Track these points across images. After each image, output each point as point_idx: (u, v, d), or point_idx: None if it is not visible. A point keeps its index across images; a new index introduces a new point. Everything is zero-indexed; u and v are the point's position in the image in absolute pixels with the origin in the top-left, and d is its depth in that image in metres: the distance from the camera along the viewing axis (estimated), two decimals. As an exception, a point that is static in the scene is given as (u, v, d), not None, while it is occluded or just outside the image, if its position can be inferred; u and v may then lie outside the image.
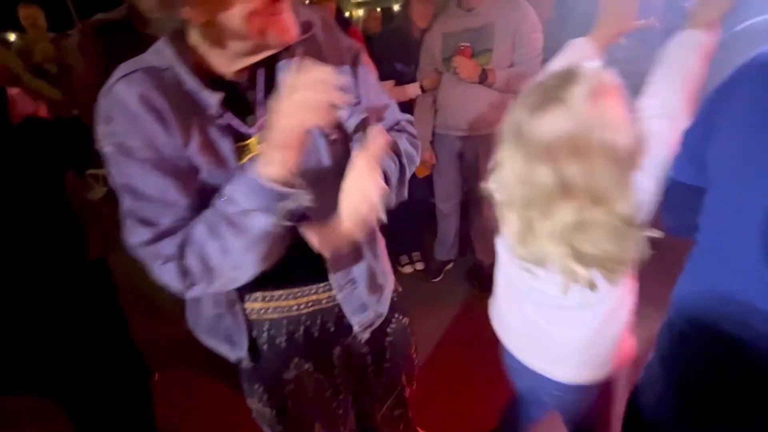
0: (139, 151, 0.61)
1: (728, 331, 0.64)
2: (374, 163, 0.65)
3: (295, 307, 0.82)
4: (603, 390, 0.93)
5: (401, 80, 2.15)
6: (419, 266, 2.60)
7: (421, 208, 2.49)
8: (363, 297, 0.85)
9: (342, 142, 0.77)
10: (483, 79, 1.87)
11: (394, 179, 0.76)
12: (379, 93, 0.85)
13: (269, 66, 0.70)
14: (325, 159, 0.74)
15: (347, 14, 4.07)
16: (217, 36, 0.62)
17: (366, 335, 0.89)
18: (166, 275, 0.63)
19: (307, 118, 0.56)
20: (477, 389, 1.70)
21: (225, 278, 0.65)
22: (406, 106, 2.15)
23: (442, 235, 2.47)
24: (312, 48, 0.73)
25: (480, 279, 2.34)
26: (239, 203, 0.59)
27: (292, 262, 0.72)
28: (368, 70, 0.83)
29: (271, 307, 0.81)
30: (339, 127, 0.77)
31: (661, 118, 0.77)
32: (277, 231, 0.61)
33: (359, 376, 0.97)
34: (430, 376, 1.80)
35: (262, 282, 0.74)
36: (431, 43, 2.02)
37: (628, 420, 0.88)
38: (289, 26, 0.63)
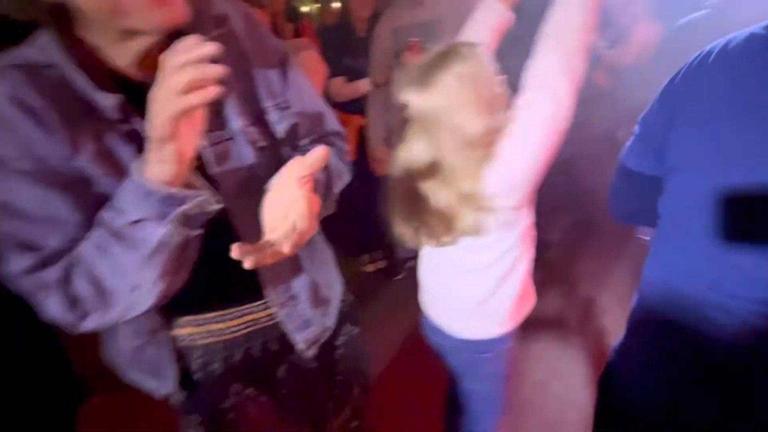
0: (15, 161, 0.52)
1: (683, 316, 0.67)
2: (306, 172, 0.59)
3: (230, 330, 0.75)
4: (502, 347, 1.03)
5: (352, 76, 2.10)
6: (381, 264, 2.57)
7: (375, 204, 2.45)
8: (306, 312, 0.79)
9: (272, 150, 0.70)
10: (434, 73, 1.85)
11: (320, 193, 0.70)
12: (313, 99, 0.79)
13: None
14: (253, 167, 0.67)
15: (303, 8, 3.92)
16: (84, 20, 0.52)
17: (312, 352, 0.83)
18: (53, 308, 0.55)
19: (185, 101, 0.46)
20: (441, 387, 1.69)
21: (124, 303, 0.57)
22: (359, 102, 2.11)
23: (401, 233, 2.44)
24: (229, 45, 0.64)
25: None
26: (127, 213, 0.52)
27: (223, 280, 0.66)
28: (299, 74, 0.77)
29: (202, 332, 0.74)
30: (267, 133, 0.70)
31: (534, 90, 0.78)
32: (177, 241, 0.54)
33: (309, 392, 0.91)
34: (395, 377, 1.79)
35: (189, 304, 0.67)
36: (381, 37, 1.98)
37: (602, 401, 0.90)
38: (164, 2, 0.52)
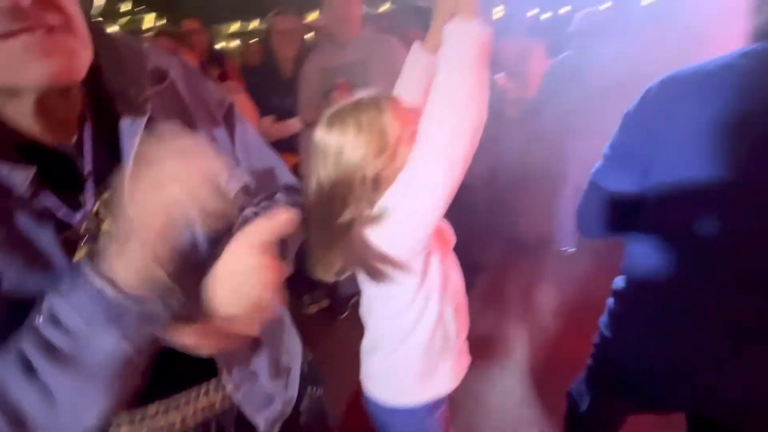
0: None
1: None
2: (270, 238, 0.51)
3: (179, 421, 0.64)
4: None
5: (280, 115, 2.07)
6: (324, 304, 2.49)
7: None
8: (267, 388, 0.70)
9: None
10: (363, 113, 1.90)
11: (285, 259, 0.64)
12: (262, 152, 0.74)
13: (107, 126, 0.53)
14: (199, 237, 0.59)
15: (220, 47, 3.83)
16: None
17: (275, 431, 0.74)
18: None
19: (175, 197, 0.40)
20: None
21: None
22: (289, 141, 2.08)
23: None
24: (170, 102, 0.59)
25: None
26: (71, 323, 0.42)
27: (167, 365, 0.55)
28: (246, 127, 0.71)
29: (143, 430, 0.62)
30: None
31: (426, 154, 0.74)
32: (135, 351, 0.45)
33: None
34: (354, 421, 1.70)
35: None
36: (309, 77, 2.00)
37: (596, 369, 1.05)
38: (56, 51, 0.42)
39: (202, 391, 0.65)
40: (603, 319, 0.99)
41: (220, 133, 0.66)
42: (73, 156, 0.52)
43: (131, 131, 0.52)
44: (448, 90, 0.72)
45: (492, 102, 0.75)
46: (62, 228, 0.48)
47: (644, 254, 0.83)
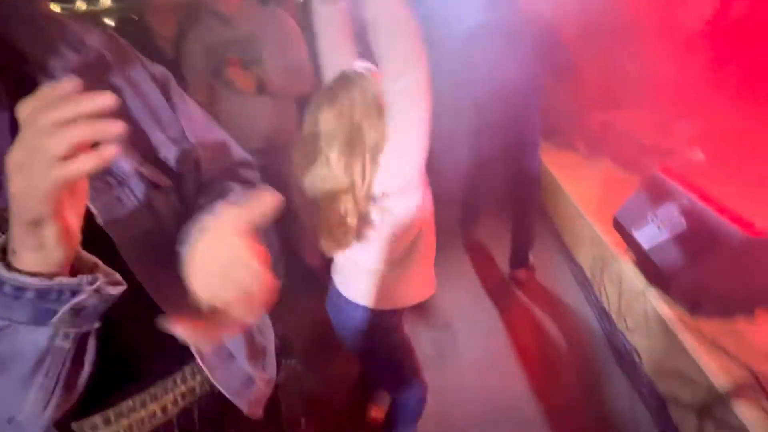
0: None
1: None
2: (250, 223, 0.47)
3: (160, 410, 0.61)
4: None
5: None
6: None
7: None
8: (245, 369, 0.69)
9: (176, 191, 0.59)
10: (261, 89, 1.84)
11: (264, 243, 0.64)
12: (208, 127, 0.69)
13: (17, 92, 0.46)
14: (157, 215, 0.55)
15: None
16: None
17: (260, 411, 0.73)
18: None
19: (70, 170, 0.35)
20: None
21: None
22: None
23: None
24: (97, 73, 0.54)
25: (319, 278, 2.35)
26: None
27: (137, 358, 0.54)
28: (187, 101, 0.67)
29: (121, 429, 0.58)
30: (165, 171, 0.58)
31: (399, 93, 0.90)
32: (67, 346, 0.42)
33: None
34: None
35: (94, 398, 0.52)
36: (193, 56, 1.86)
37: None
38: None
39: (179, 377, 0.63)
40: None
41: (159, 103, 0.61)
42: None
43: None
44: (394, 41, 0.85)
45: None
46: None
47: None
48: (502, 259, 2.52)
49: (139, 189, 0.55)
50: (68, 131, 0.34)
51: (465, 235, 2.79)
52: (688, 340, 1.39)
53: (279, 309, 2.07)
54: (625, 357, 1.75)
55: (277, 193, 0.49)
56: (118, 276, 0.45)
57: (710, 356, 1.32)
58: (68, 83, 0.35)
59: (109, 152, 0.36)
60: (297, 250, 2.38)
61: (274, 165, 2.08)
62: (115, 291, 0.44)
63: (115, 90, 0.56)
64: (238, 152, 0.74)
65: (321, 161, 0.98)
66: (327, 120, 0.95)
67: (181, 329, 0.44)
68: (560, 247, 2.59)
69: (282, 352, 0.88)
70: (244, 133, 1.97)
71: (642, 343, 1.65)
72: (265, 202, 0.47)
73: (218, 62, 1.82)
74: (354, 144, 0.94)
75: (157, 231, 0.56)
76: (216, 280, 0.46)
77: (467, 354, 1.97)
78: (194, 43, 1.86)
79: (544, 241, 2.66)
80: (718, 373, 1.27)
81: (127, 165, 0.54)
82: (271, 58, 1.87)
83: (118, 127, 0.36)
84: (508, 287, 2.38)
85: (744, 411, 1.17)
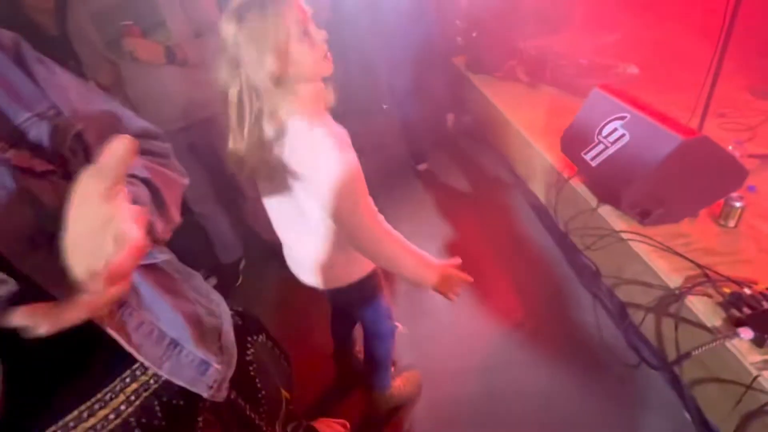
0: None
1: None
2: (109, 182, 0.40)
3: (112, 414, 0.56)
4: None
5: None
6: (212, 282, 2.30)
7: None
8: (196, 353, 0.64)
9: (61, 175, 0.50)
10: (172, 58, 1.62)
11: (147, 201, 0.54)
12: (87, 96, 0.59)
13: None
14: (35, 205, 0.47)
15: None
16: None
17: (223, 393, 0.69)
18: None
19: None
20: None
21: None
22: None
23: (217, 239, 2.21)
24: None
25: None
26: None
27: (66, 363, 0.48)
28: (54, 69, 0.56)
29: None
30: (40, 154, 0.49)
31: None
32: None
33: (238, 421, 0.77)
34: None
35: (32, 412, 0.48)
36: (80, 28, 1.59)
37: None
38: None
39: (128, 376, 0.58)
40: None
41: (16, 79, 0.51)
42: None
43: None
44: None
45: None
46: None
47: None
48: (461, 186, 2.54)
49: (7, 178, 0.45)
50: None
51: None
52: (641, 249, 1.45)
53: (241, 287, 2.01)
54: (585, 273, 1.84)
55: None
56: None
57: (662, 260, 1.40)
58: None
59: None
60: (252, 226, 2.26)
61: (204, 140, 1.92)
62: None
63: None
64: (135, 123, 0.64)
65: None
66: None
67: (19, 314, 0.37)
68: (514, 180, 2.62)
69: (246, 330, 0.83)
70: (162, 112, 1.76)
71: (599, 257, 1.72)
72: (115, 151, 0.39)
73: (112, 32, 1.57)
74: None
75: (44, 220, 0.47)
76: (86, 250, 0.40)
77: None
78: (78, 13, 1.58)
79: (496, 176, 2.69)
80: (670, 274, 1.35)
81: None
82: (175, 20, 1.64)
83: None
84: (468, 217, 2.41)
85: (695, 302, 1.26)
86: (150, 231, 0.54)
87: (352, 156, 0.92)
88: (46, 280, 0.46)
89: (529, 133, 2.30)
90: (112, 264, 0.40)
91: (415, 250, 1.01)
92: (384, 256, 0.98)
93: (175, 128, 1.82)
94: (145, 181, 0.55)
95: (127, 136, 0.39)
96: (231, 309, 0.80)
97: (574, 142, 1.80)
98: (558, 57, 2.83)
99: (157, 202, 0.57)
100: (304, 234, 1.03)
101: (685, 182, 1.43)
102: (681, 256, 1.38)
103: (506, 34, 3.12)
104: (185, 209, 2.10)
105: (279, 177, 0.93)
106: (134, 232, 0.40)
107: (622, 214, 1.58)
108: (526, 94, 2.75)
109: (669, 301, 1.34)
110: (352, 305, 1.23)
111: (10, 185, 0.45)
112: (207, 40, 1.69)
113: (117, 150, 0.39)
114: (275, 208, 1.05)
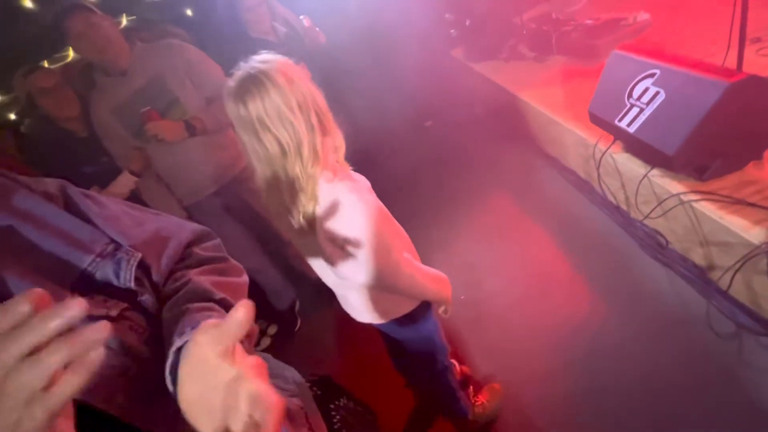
0: None
1: None
2: (230, 342, 0.40)
3: None
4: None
5: (104, 180, 1.75)
6: (273, 330, 2.35)
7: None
8: None
9: (128, 312, 0.50)
10: (192, 131, 1.69)
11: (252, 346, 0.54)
12: (139, 217, 0.61)
13: None
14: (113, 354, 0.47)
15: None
16: None
17: None
18: None
19: (33, 390, 0.29)
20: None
21: None
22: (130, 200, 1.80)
23: (268, 287, 2.26)
24: None
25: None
26: None
27: None
28: (99, 200, 0.58)
29: None
30: (105, 293, 0.49)
31: None
32: None
33: None
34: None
35: None
36: (105, 126, 1.69)
37: None
38: None
39: None
40: None
41: (70, 224, 0.52)
42: None
43: None
44: None
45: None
46: None
47: None
48: (493, 180, 2.47)
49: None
50: (44, 359, 0.29)
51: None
52: (708, 207, 1.35)
53: (301, 329, 2.00)
54: (649, 244, 1.73)
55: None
56: None
57: (735, 215, 1.29)
58: (22, 301, 0.29)
59: (97, 358, 0.31)
60: (298, 267, 2.30)
61: (237, 199, 1.97)
62: None
63: (6, 235, 0.46)
64: (186, 229, 0.64)
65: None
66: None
67: None
68: (548, 162, 2.52)
69: (327, 398, 0.83)
70: (193, 181, 1.83)
71: (661, 225, 1.62)
72: (239, 317, 0.39)
73: (135, 122, 1.65)
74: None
75: (130, 365, 0.48)
76: (219, 414, 0.38)
77: (497, 290, 1.95)
78: (101, 113, 1.68)
79: (530, 162, 2.60)
80: (749, 229, 1.24)
81: None
82: (186, 94, 1.71)
83: (102, 330, 0.31)
84: (516, 219, 2.33)
85: (786, 254, 1.15)
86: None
87: (374, 204, 0.93)
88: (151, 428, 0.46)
89: (551, 110, 2.21)
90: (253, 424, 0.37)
91: (435, 273, 1.09)
92: (417, 292, 1.05)
93: (208, 194, 1.88)
94: (222, 302, 0.55)
95: (250, 303, 0.39)
96: (307, 380, 0.79)
97: (604, 111, 1.71)
98: (559, 24, 2.73)
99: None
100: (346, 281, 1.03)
101: (739, 127, 1.32)
102: (756, 206, 1.27)
103: (499, 12, 3.04)
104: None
105: (311, 236, 0.94)
106: (270, 395, 0.37)
107: (676, 175, 1.48)
108: (536, 71, 2.66)
109: (753, 255, 1.23)
110: (406, 340, 1.20)
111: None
112: (219, 104, 1.75)
113: (239, 317, 0.38)
114: (313, 261, 1.05)
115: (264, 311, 2.32)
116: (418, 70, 2.71)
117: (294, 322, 2.33)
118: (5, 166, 1.79)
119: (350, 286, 1.06)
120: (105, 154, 1.77)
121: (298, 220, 0.90)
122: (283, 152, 0.84)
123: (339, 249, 0.92)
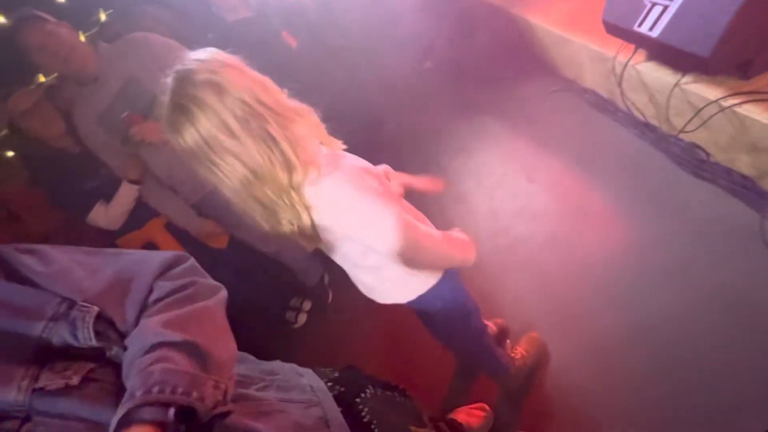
0: None
1: None
2: None
3: None
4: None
5: (107, 193, 1.74)
6: (307, 306, 2.37)
7: (255, 265, 2.21)
8: None
9: (101, 378, 0.47)
10: (178, 127, 1.62)
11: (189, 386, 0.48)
12: (93, 264, 0.55)
13: None
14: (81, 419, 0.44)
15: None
16: None
17: None
18: None
19: None
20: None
21: None
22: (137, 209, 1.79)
23: (294, 266, 2.26)
24: None
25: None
26: None
27: None
28: (46, 254, 0.52)
29: None
30: (66, 356, 0.46)
31: None
32: None
33: None
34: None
35: None
36: (92, 136, 1.64)
37: None
38: None
39: None
40: None
41: (13, 292, 0.47)
42: None
43: None
44: None
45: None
46: None
47: None
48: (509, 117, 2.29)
49: (52, 405, 0.42)
50: None
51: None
52: (755, 109, 1.17)
53: (334, 301, 2.00)
54: (687, 159, 1.56)
55: None
56: None
57: (788, 113, 1.11)
58: None
59: None
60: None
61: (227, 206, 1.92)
62: None
63: None
64: (152, 262, 0.58)
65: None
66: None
67: None
68: (564, 83, 2.29)
69: (350, 394, 0.79)
70: (196, 179, 1.76)
71: (700, 137, 1.44)
72: None
73: (120, 128, 1.59)
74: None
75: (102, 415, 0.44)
76: None
77: (526, 234, 1.85)
78: (85, 125, 1.63)
79: (544, 90, 2.38)
80: (806, 127, 1.07)
81: (13, 395, 0.41)
82: (156, 84, 1.61)
83: None
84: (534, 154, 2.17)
85: None
86: (212, 403, 0.48)
87: (374, 186, 0.83)
88: None
89: (560, 26, 1.97)
90: None
91: (457, 240, 1.02)
92: (442, 264, 1.01)
93: (212, 186, 1.84)
94: (184, 344, 0.49)
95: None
96: (328, 380, 0.76)
97: (620, 18, 1.49)
98: None
99: (201, 361, 0.50)
100: (368, 267, 0.97)
101: (788, 5, 1.10)
102: (814, 98, 1.09)
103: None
104: (257, 253, 2.16)
105: (318, 240, 0.88)
106: None
107: (713, 78, 1.29)
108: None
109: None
110: (436, 311, 1.14)
111: (55, 411, 0.42)
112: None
113: None
114: (329, 252, 0.99)
115: (296, 289, 2.35)
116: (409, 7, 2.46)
117: (326, 296, 2.34)
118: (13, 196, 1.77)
119: (368, 271, 1.00)
120: (103, 165, 1.73)
121: (297, 234, 0.82)
122: (247, 181, 0.73)
123: (352, 243, 0.88)
